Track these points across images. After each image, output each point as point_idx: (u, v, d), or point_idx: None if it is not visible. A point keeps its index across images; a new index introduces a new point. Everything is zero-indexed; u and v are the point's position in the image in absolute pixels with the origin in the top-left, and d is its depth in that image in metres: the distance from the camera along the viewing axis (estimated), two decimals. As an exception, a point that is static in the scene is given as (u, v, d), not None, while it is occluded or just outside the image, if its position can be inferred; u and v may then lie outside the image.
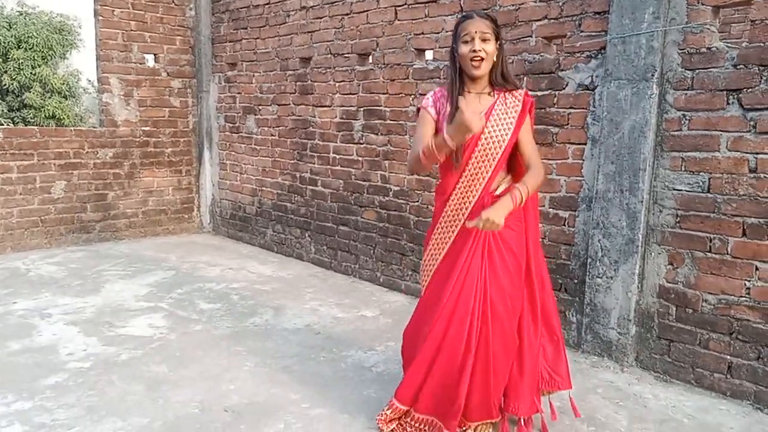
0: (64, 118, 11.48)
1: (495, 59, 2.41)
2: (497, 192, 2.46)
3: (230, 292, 4.58)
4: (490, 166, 2.41)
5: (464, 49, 2.37)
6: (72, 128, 6.08)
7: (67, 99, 12.24)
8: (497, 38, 2.40)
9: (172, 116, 6.51)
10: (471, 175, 2.43)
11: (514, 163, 2.53)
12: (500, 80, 2.45)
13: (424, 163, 2.41)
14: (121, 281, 4.80)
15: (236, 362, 3.32)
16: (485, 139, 2.40)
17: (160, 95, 6.39)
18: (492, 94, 2.46)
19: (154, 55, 6.33)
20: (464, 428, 2.60)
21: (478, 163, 2.42)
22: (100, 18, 5.93)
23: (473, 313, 2.38)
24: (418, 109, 2.53)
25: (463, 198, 2.46)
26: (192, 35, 6.52)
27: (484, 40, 2.35)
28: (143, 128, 6.31)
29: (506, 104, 2.43)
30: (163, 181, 6.53)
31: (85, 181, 5.99)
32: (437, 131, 2.42)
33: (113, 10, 5.97)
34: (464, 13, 2.48)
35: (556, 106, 3.59)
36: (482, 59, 2.36)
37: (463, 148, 2.39)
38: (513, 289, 2.44)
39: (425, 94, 2.62)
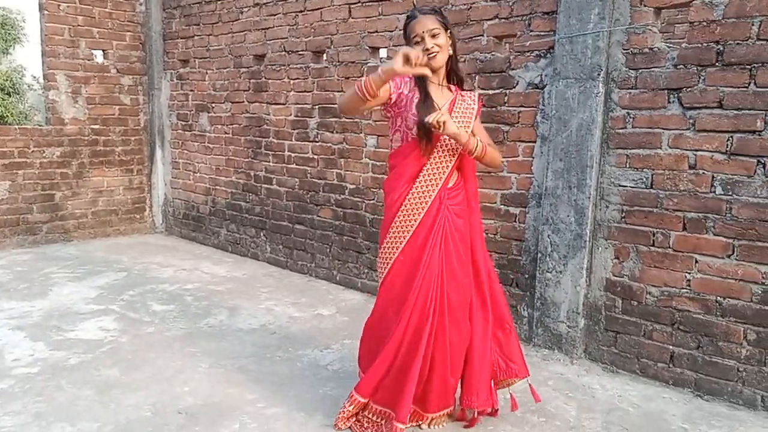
0: (7, 116, 11.04)
1: (450, 50, 2.49)
2: (449, 185, 2.55)
3: (184, 293, 4.52)
4: (452, 158, 2.52)
5: (417, 48, 2.40)
6: (16, 126, 5.89)
7: (10, 96, 11.78)
8: (446, 29, 2.45)
9: (122, 114, 6.36)
10: (435, 165, 2.50)
11: (461, 166, 2.62)
12: (451, 72, 2.55)
13: (356, 98, 2.37)
14: (70, 284, 4.68)
15: (190, 363, 3.28)
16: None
17: (110, 92, 6.24)
18: (450, 89, 2.56)
19: (103, 51, 6.17)
20: (420, 422, 2.64)
21: (441, 154, 2.50)
22: (46, 12, 5.75)
23: (432, 306, 2.45)
24: None
25: (426, 188, 2.50)
26: (142, 31, 6.39)
27: (433, 36, 2.40)
28: (92, 126, 6.14)
29: (464, 102, 2.56)
30: (113, 181, 6.38)
31: (31, 181, 5.80)
32: (389, 106, 2.51)
33: (59, 5, 5.80)
34: (409, 13, 2.51)
35: (506, 104, 3.66)
36: (436, 54, 2.42)
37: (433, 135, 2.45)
38: (464, 278, 2.54)
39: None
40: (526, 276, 3.66)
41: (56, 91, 5.89)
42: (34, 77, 12.40)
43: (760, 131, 2.78)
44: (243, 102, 5.53)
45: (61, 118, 5.94)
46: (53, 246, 5.92)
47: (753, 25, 2.75)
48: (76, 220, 6.15)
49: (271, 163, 5.34)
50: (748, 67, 2.78)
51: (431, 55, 2.40)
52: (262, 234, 5.51)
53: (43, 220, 5.94)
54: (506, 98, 3.66)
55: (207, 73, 5.88)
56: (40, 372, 3.14)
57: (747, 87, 2.79)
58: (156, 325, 3.85)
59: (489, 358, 2.63)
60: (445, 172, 2.51)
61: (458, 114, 2.51)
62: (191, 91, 6.10)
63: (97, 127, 6.18)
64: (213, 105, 5.87)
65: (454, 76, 2.58)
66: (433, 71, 2.45)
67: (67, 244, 6.01)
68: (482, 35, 3.73)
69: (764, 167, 2.78)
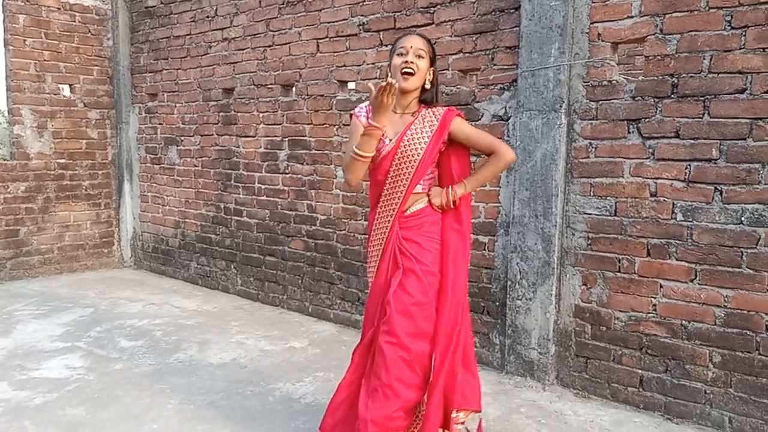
0: (-29, 150, 10.84)
1: (428, 82, 2.43)
2: (407, 212, 2.46)
3: (153, 329, 4.44)
4: (406, 181, 2.42)
5: (397, 60, 2.38)
6: (-20, 162, 5.80)
7: (-26, 130, 11.59)
8: (432, 62, 2.43)
9: (89, 148, 6.31)
10: (390, 191, 2.45)
11: (444, 179, 2.56)
12: (430, 102, 2.48)
13: (353, 169, 2.39)
14: (35, 321, 4.57)
15: (159, 400, 3.22)
16: (400, 155, 2.41)
17: (77, 126, 6.19)
18: (414, 114, 2.45)
19: (70, 85, 6.14)
20: None
21: (394, 178, 2.44)
22: (11, 48, 5.71)
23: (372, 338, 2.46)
24: (351, 116, 2.52)
25: (384, 213, 2.48)
26: (110, 65, 6.38)
27: (418, 56, 2.37)
28: (58, 161, 6.07)
29: (423, 121, 2.43)
30: (80, 215, 6.29)
31: (-5, 217, 5.70)
32: None
33: (25, 40, 5.77)
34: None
35: (473, 135, 3.73)
36: (413, 73, 2.36)
37: (381, 165, 2.43)
38: (416, 312, 2.39)
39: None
40: (497, 303, 3.70)
41: (21, 126, 5.82)
42: (-1, 111, 12.18)
43: (716, 159, 2.88)
44: (212, 135, 5.53)
45: (27, 152, 5.86)
46: (17, 282, 5.78)
47: (704, 59, 2.88)
48: (41, 256, 6.04)
49: (241, 195, 5.33)
50: (702, 98, 2.90)
51: (407, 71, 2.35)
52: (232, 266, 5.47)
53: (7, 257, 5.81)
54: (473, 129, 3.73)
55: (176, 106, 5.88)
56: (2, 413, 3.04)
57: (701, 117, 2.91)
58: (124, 361, 3.78)
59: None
60: (399, 199, 2.44)
61: (410, 135, 2.40)
62: (160, 124, 6.09)
63: (63, 161, 6.11)
64: (182, 138, 5.86)
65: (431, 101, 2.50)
66: (403, 94, 2.41)
67: (32, 281, 5.88)
68: (447, 69, 3.82)
69: (721, 194, 2.88)
